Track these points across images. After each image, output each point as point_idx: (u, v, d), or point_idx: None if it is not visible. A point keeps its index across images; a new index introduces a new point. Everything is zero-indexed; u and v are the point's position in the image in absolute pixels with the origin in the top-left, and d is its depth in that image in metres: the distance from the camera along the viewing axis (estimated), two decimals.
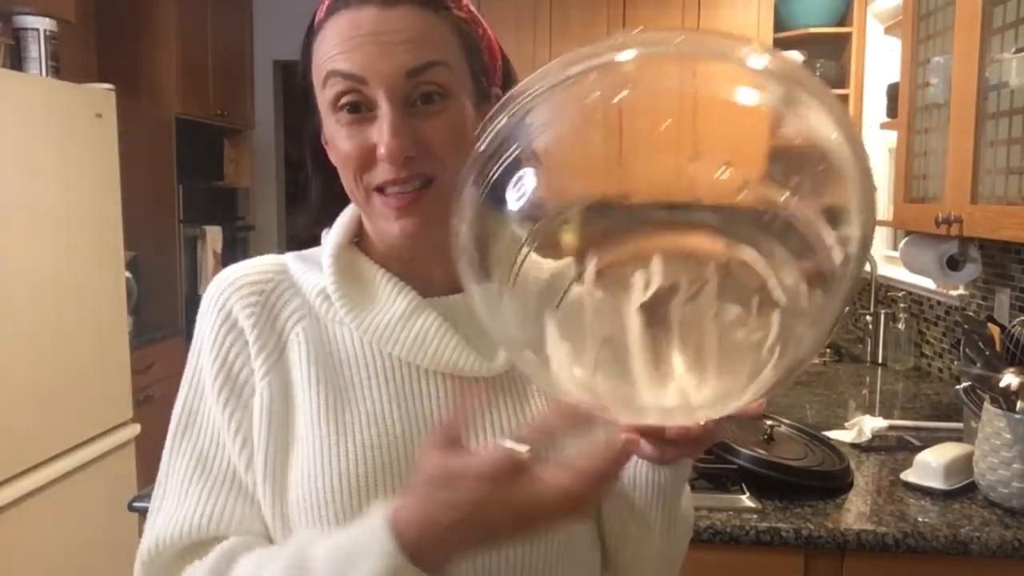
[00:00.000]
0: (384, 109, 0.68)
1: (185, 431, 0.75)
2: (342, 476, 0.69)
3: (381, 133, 0.67)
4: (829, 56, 3.56)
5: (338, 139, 0.70)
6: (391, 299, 0.75)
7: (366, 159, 0.69)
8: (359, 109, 0.69)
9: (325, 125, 0.73)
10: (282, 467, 0.72)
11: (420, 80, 0.68)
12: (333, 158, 0.73)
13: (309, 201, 0.82)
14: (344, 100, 0.69)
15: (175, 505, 0.73)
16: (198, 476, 0.73)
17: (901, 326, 2.68)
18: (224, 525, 0.72)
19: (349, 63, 0.68)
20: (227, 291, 0.76)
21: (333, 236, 0.78)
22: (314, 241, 0.81)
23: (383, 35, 0.68)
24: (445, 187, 0.69)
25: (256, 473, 0.72)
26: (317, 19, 0.72)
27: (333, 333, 0.76)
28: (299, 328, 0.75)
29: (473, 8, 0.77)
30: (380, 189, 0.70)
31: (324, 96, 0.70)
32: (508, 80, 0.81)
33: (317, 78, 0.71)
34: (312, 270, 0.77)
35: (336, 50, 0.69)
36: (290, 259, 0.80)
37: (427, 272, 0.77)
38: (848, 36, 3.46)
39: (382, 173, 0.69)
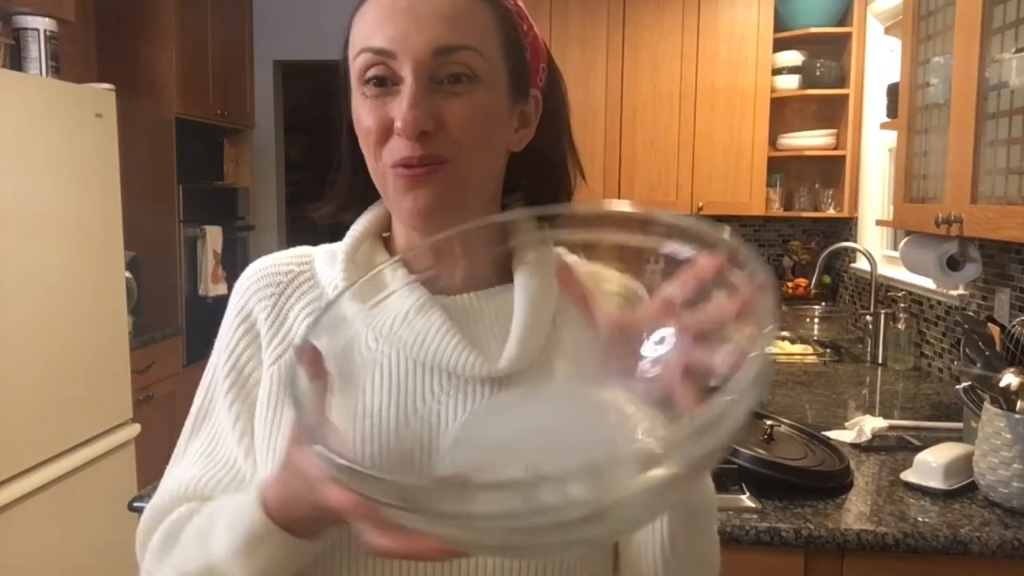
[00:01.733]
0: (407, 83, 0.67)
1: (204, 420, 0.79)
2: None
3: (400, 106, 0.67)
4: (829, 56, 3.56)
5: (362, 112, 0.70)
6: (399, 296, 0.74)
7: (385, 133, 0.69)
8: (385, 83, 0.68)
9: (353, 100, 0.72)
10: (275, 452, 0.74)
11: (449, 60, 0.67)
12: (358, 134, 0.73)
13: (336, 186, 0.81)
14: (371, 73, 0.68)
15: (180, 473, 0.78)
16: (204, 458, 0.78)
17: (901, 326, 2.68)
18: (211, 491, 0.76)
19: (381, 38, 0.67)
20: (247, 283, 0.79)
21: (355, 229, 0.79)
22: (342, 228, 0.81)
23: (420, 8, 0.67)
24: (459, 172, 0.70)
25: (256, 457, 0.75)
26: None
27: None
28: (310, 321, 0.75)
29: (521, 2, 0.75)
30: (395, 166, 0.70)
31: (353, 69, 0.70)
32: (553, 86, 0.79)
33: (351, 53, 0.71)
34: (334, 263, 0.78)
35: (371, 25, 0.68)
36: (317, 251, 0.81)
37: (446, 269, 0.76)
38: (848, 36, 3.46)
39: (398, 149, 0.68)
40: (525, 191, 0.81)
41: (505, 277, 0.78)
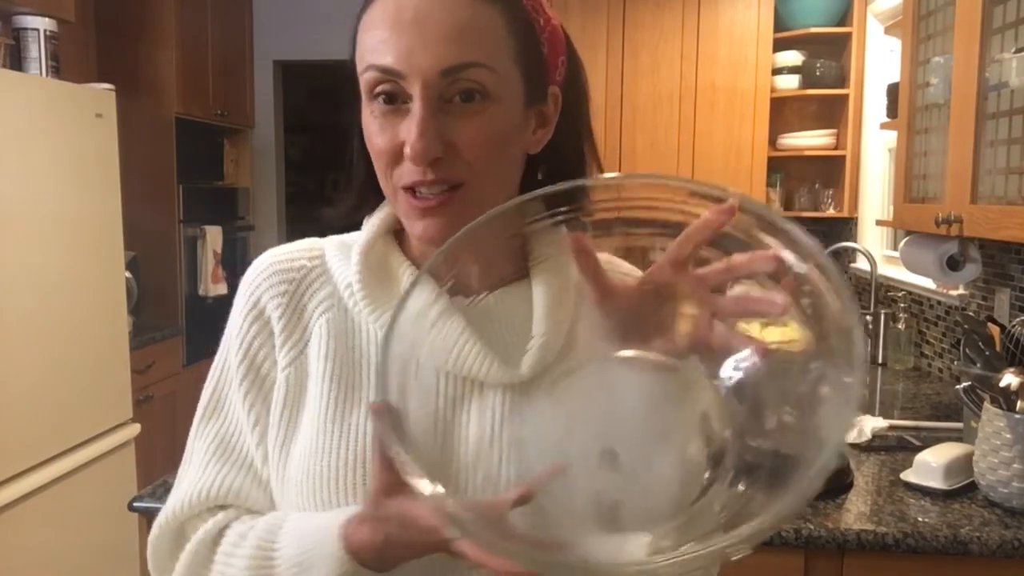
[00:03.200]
0: (416, 106, 0.65)
1: (212, 415, 0.78)
2: (339, 476, 0.69)
3: (410, 131, 0.65)
4: (829, 56, 3.56)
5: (372, 130, 0.68)
6: (417, 298, 0.72)
7: (396, 155, 0.67)
8: (394, 100, 0.66)
9: (363, 113, 0.70)
10: (285, 458, 0.73)
11: (458, 78, 0.65)
12: (369, 150, 0.71)
13: (349, 187, 0.79)
14: (379, 89, 0.66)
15: (193, 480, 0.76)
16: (217, 458, 0.76)
17: (901, 326, 2.68)
18: (233, 498, 0.75)
19: (387, 56, 0.65)
20: (259, 279, 0.77)
21: (370, 226, 0.77)
22: (355, 227, 0.79)
23: (426, 23, 0.64)
24: (473, 193, 0.68)
25: (269, 464, 0.75)
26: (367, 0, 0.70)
27: (358, 327, 0.75)
28: (323, 320, 0.75)
29: None
30: (407, 188, 0.68)
31: (362, 82, 0.68)
32: (573, 78, 0.76)
33: (359, 64, 0.69)
34: (347, 259, 0.76)
35: (377, 39, 0.66)
36: (328, 245, 0.79)
37: (464, 269, 0.73)
38: (848, 36, 3.46)
39: (409, 173, 0.67)
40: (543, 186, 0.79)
41: (521, 270, 0.75)
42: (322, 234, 0.81)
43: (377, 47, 0.66)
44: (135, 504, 1.51)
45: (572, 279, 0.74)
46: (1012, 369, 1.46)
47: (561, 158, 0.77)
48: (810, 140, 3.59)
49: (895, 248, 2.93)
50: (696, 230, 0.58)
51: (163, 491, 1.53)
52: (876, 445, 1.78)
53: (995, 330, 1.64)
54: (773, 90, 3.59)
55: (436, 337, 0.70)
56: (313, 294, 0.76)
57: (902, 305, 2.70)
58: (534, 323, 0.72)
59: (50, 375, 2.43)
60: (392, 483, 0.61)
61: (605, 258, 0.79)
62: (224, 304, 0.79)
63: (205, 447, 0.77)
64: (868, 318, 2.85)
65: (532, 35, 0.70)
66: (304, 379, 0.74)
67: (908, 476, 1.56)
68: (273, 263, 0.77)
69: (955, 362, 2.27)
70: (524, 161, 0.74)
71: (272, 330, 0.75)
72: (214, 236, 3.86)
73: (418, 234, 0.69)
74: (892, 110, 2.40)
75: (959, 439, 1.71)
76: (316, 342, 0.74)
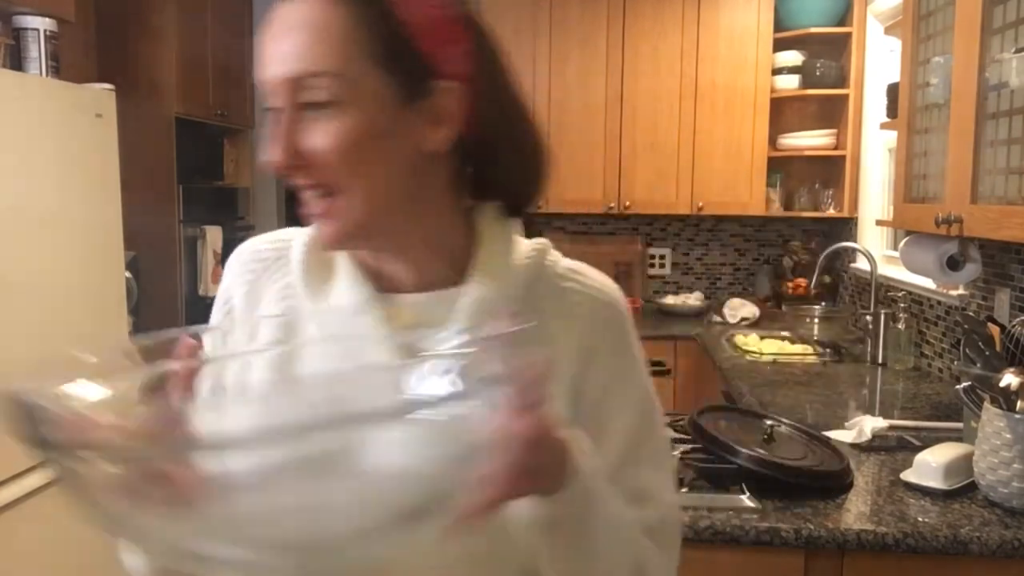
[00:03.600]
0: (275, 116, 0.68)
1: None
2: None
3: (270, 141, 0.68)
4: (829, 56, 3.57)
5: None
6: (345, 293, 0.74)
7: None
8: (275, 109, 0.69)
9: None
10: None
11: (301, 87, 0.66)
12: None
13: None
14: (267, 99, 0.69)
15: None
16: None
17: (901, 326, 2.68)
18: None
19: (260, 68, 0.68)
20: (231, 268, 0.81)
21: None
22: None
23: (284, 35, 0.66)
24: (347, 198, 0.68)
25: None
26: None
27: (305, 319, 0.77)
28: (276, 310, 0.77)
29: None
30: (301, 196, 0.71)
31: None
32: (488, 67, 0.74)
33: None
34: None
35: (260, 51, 0.69)
36: (299, 235, 0.80)
37: (392, 268, 0.75)
38: (848, 36, 3.46)
39: (291, 179, 0.69)
40: (499, 181, 0.78)
41: (460, 277, 0.74)
42: None
43: (258, 59, 0.69)
44: None
45: (506, 299, 0.73)
46: (1012, 369, 1.46)
47: (492, 151, 0.75)
48: (810, 140, 3.59)
49: (895, 248, 2.93)
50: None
51: None
52: (876, 445, 1.78)
53: (995, 330, 1.64)
54: (773, 90, 3.59)
55: (352, 331, 0.72)
56: (274, 283, 0.78)
57: (902, 305, 2.71)
58: (451, 324, 0.71)
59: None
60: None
61: (573, 265, 0.80)
62: None
63: None
64: (868, 318, 2.86)
65: (396, 32, 0.67)
66: (249, 368, 0.75)
67: (908, 476, 1.56)
68: (245, 252, 0.81)
69: (955, 362, 2.27)
70: (429, 160, 0.71)
71: (234, 319, 0.78)
72: (214, 236, 3.86)
73: (320, 236, 0.72)
74: (892, 110, 2.40)
75: (959, 439, 1.71)
76: (264, 333, 0.76)
